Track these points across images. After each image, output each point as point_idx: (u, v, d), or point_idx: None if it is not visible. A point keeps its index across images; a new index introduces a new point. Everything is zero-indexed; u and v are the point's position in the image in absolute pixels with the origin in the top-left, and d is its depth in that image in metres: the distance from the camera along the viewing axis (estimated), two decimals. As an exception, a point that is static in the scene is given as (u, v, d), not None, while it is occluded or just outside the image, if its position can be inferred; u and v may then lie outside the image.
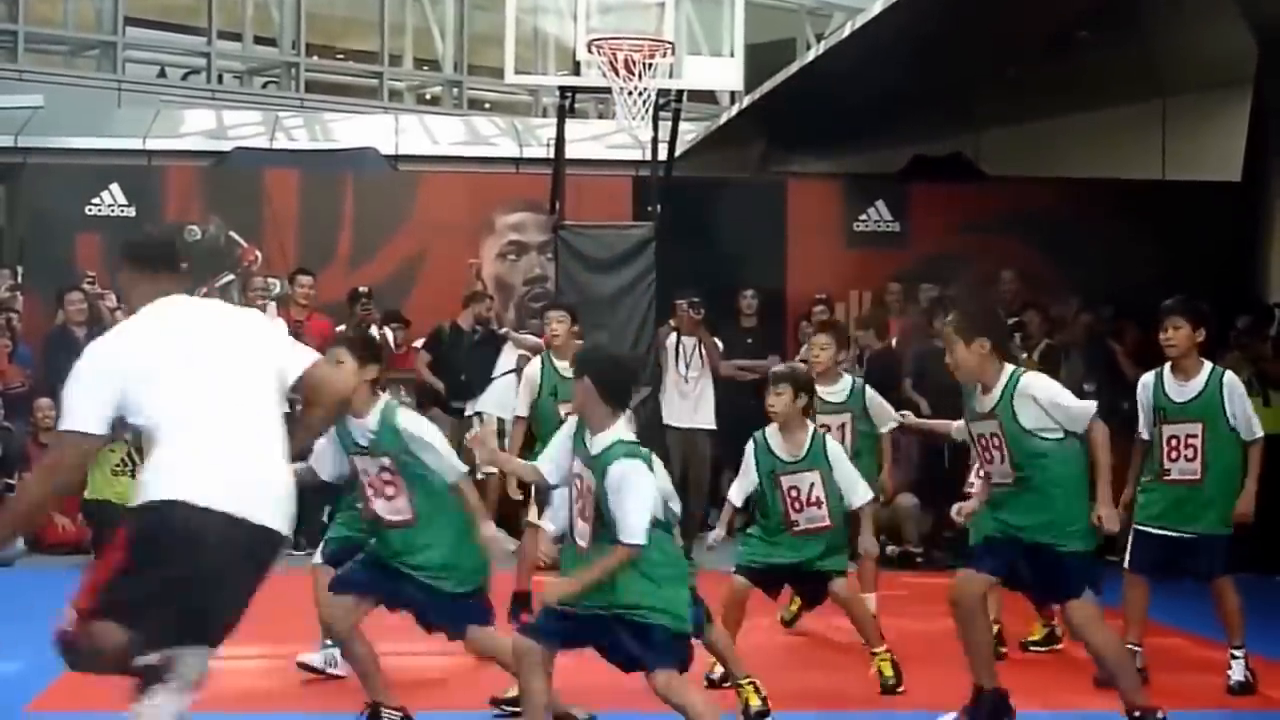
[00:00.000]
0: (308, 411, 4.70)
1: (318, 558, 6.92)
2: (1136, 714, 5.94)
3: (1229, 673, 6.89)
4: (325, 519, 12.43)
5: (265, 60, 23.69)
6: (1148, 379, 7.17)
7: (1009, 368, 6.06)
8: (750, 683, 6.42)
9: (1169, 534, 7.05)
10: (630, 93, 10.58)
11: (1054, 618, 7.73)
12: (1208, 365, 7.07)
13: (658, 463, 5.56)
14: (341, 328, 12.38)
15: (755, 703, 6.37)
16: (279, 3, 22.98)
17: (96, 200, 13.62)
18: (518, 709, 5.85)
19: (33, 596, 8.72)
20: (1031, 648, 7.82)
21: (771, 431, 7.06)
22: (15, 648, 7.40)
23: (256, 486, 4.31)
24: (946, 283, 13.06)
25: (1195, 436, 6.98)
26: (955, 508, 6.85)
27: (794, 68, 13.76)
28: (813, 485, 6.97)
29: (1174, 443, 7.03)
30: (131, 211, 13.64)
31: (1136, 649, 6.93)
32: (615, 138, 15.34)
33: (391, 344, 12.74)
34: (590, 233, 11.51)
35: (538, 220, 13.63)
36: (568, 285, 11.37)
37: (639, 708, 5.80)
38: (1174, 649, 7.86)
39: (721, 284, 12.72)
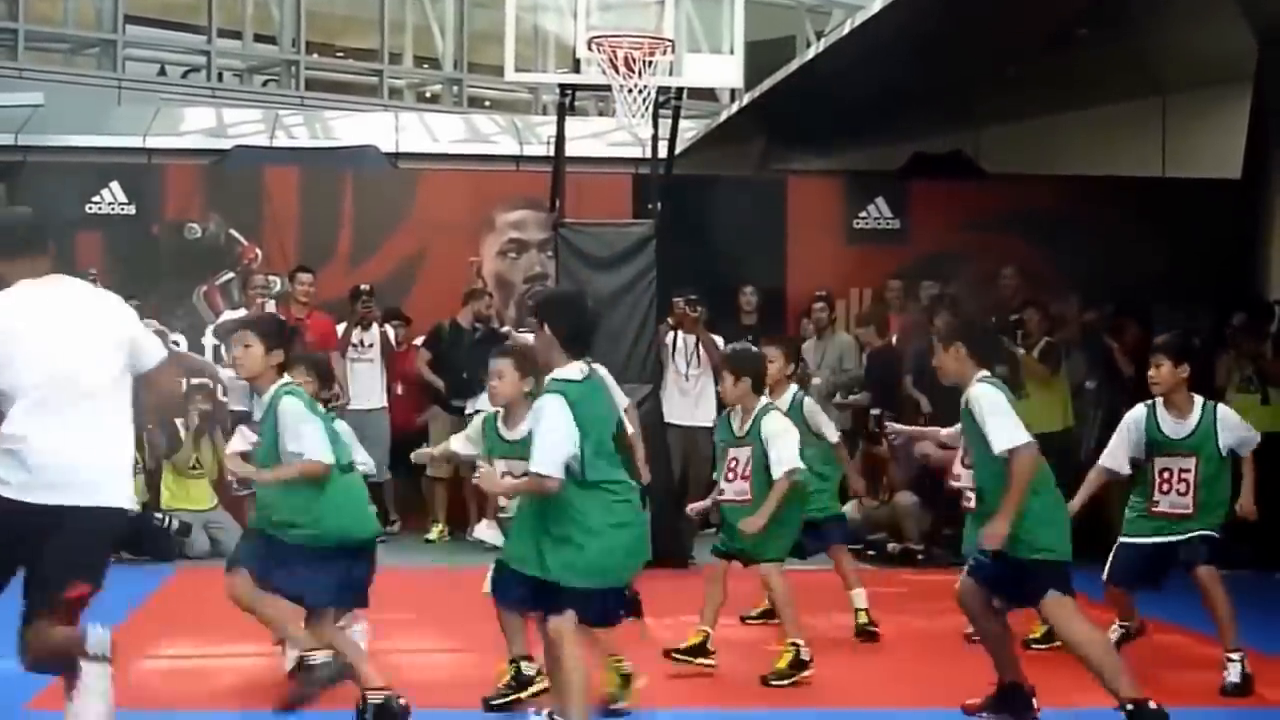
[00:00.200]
0: (145, 399, 5.30)
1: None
2: (1129, 707, 5.93)
3: (1225, 674, 6.87)
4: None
5: (265, 58, 23.69)
6: (1139, 413, 7.19)
7: (980, 374, 6.18)
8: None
9: (1154, 541, 7.13)
10: (630, 90, 10.57)
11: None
12: (1199, 400, 7.13)
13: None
14: (342, 325, 12.43)
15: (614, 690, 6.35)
16: (279, 1, 22.98)
17: (96, 199, 13.60)
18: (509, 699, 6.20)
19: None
20: (1033, 646, 7.82)
21: (735, 412, 7.41)
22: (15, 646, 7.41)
23: (57, 470, 4.90)
24: (947, 280, 13.07)
25: (1189, 471, 7.05)
26: None
27: (794, 65, 13.75)
28: (747, 460, 7.25)
29: (1166, 475, 7.09)
30: (131, 210, 13.63)
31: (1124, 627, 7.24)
32: (615, 135, 15.32)
33: (392, 341, 12.77)
34: (591, 230, 11.50)
35: (538, 218, 13.62)
36: (568, 283, 11.36)
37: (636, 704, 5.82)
38: (1175, 646, 7.87)
39: (722, 281, 12.73)
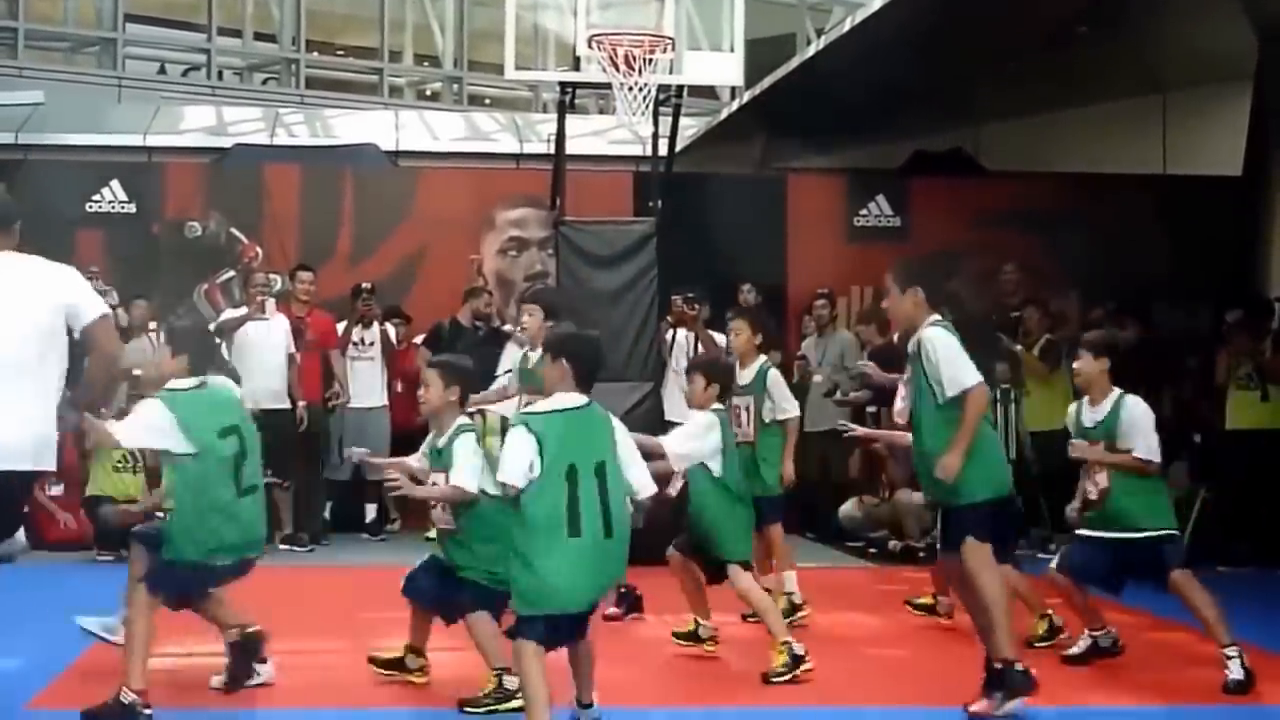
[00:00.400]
0: (91, 367, 5.74)
1: None
2: (998, 665, 6.13)
3: (1226, 671, 6.85)
4: (326, 515, 12.59)
5: (265, 56, 23.69)
6: (1074, 405, 7.53)
7: (933, 318, 6.31)
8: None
9: (1106, 535, 7.23)
10: (630, 88, 10.57)
11: (1048, 606, 7.79)
12: (1115, 392, 7.34)
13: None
14: (343, 324, 12.42)
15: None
16: (279, -1, 23.01)
17: (97, 197, 13.61)
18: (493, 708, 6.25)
19: (34, 594, 8.74)
20: (1034, 645, 7.81)
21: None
22: (15, 645, 7.41)
23: None
24: (947, 277, 13.05)
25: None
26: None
27: (794, 63, 13.73)
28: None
29: (1089, 464, 7.33)
30: (132, 208, 13.65)
31: (1097, 633, 7.36)
32: (616, 133, 15.32)
33: (393, 340, 12.77)
34: (591, 228, 11.50)
35: (538, 216, 13.62)
36: (569, 281, 11.36)
37: (635, 703, 5.82)
38: (1175, 644, 7.86)
39: (722, 279, 12.73)
